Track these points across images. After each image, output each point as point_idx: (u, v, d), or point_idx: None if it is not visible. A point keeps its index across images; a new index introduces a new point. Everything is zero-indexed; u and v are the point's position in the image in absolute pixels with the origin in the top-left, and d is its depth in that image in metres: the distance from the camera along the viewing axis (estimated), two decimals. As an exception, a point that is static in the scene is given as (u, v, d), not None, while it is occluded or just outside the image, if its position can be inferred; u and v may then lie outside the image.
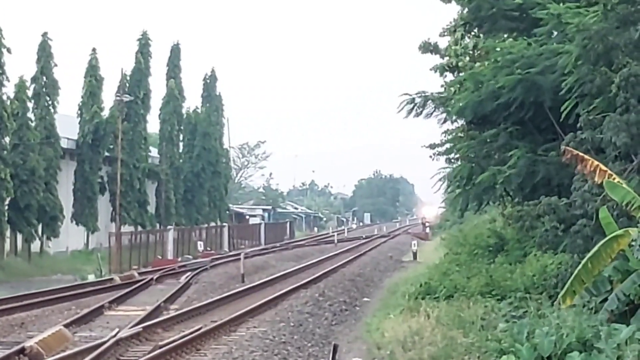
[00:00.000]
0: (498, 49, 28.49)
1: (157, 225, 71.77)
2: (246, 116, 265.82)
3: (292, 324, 24.88)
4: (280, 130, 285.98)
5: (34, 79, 58.20)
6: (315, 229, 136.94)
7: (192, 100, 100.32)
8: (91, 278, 44.55)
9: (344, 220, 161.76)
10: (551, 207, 20.71)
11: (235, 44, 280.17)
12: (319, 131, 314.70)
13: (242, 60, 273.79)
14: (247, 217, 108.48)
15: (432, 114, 36.49)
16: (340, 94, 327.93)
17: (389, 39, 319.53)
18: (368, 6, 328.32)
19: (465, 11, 32.92)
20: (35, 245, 57.35)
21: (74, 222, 63.51)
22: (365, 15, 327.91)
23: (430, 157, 42.44)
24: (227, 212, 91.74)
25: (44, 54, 59.12)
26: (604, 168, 18.28)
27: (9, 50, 51.66)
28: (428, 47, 40.96)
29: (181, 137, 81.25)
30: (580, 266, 17.27)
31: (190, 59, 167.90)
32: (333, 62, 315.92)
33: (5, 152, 51.79)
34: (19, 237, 55.65)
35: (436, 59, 41.15)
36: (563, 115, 24.49)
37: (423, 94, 36.40)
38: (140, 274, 42.86)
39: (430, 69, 41.31)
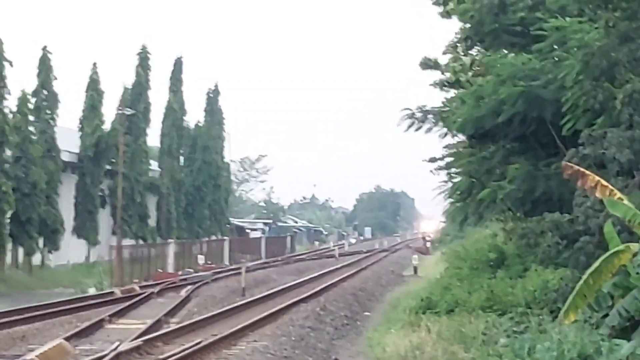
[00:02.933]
0: (499, 65, 28.54)
1: (158, 238, 71.73)
2: (247, 129, 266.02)
3: (293, 338, 24.83)
4: (282, 144, 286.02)
5: (34, 93, 58.17)
6: (316, 242, 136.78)
7: (196, 114, 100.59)
8: (92, 291, 44.45)
9: (345, 234, 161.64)
10: (555, 224, 20.73)
11: (238, 57, 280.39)
12: (320, 144, 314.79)
13: (245, 75, 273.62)
14: (248, 230, 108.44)
15: (431, 129, 36.60)
16: (341, 107, 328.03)
17: (390, 53, 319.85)
18: (366, 22, 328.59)
19: (467, 26, 32.98)
20: (37, 258, 57.27)
21: (75, 235, 63.50)
22: (365, 30, 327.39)
23: (431, 171, 42.57)
24: (228, 225, 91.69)
25: (44, 67, 59.16)
26: (604, 184, 18.30)
27: (10, 64, 51.69)
28: (428, 64, 41.05)
29: (182, 151, 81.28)
30: (581, 282, 17.27)
31: (193, 73, 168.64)
32: (334, 76, 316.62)
33: (7, 165, 51.82)
34: (20, 250, 55.57)
35: (437, 75, 41.25)
36: (564, 130, 24.54)
37: (423, 109, 36.50)
38: (141, 287, 42.79)
39: (430, 85, 41.41)
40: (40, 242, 56.74)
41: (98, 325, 28.24)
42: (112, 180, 66.37)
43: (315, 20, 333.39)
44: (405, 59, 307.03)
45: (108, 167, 65.68)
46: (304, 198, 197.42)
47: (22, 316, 30.37)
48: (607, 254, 17.20)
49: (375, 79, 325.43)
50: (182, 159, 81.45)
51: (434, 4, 25.16)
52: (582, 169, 18.95)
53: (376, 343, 23.45)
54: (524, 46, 28.99)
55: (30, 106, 56.80)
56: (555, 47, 26.19)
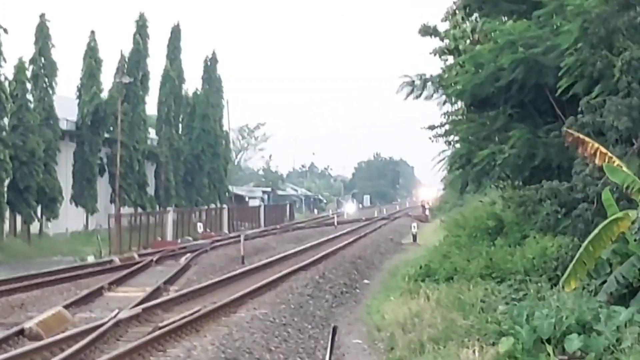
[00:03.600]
0: (498, 31, 28.48)
1: (157, 207, 71.78)
2: (246, 97, 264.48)
3: (292, 306, 24.94)
4: (280, 112, 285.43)
5: (32, 61, 57.95)
6: (315, 211, 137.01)
7: (194, 82, 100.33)
8: (91, 259, 44.55)
9: (343, 202, 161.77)
10: (553, 192, 20.77)
11: (236, 25, 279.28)
12: (319, 112, 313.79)
13: (243, 42, 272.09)
14: (247, 199, 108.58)
15: (431, 96, 36.53)
16: (340, 74, 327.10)
17: (389, 20, 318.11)
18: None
19: (465, -7, 32.90)
20: (35, 227, 57.30)
21: (74, 203, 63.44)
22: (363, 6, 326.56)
23: (430, 138, 42.38)
24: (227, 194, 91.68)
25: (42, 35, 58.87)
26: (604, 151, 18.31)
27: (5, 31, 51.46)
28: (428, 31, 40.84)
29: (180, 119, 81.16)
30: (581, 249, 17.31)
31: (192, 41, 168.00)
32: (334, 44, 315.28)
33: (4, 133, 51.74)
34: (18, 218, 55.62)
35: (436, 42, 41.11)
36: (559, 93, 24.50)
37: (422, 76, 36.42)
38: (140, 255, 42.91)
39: (430, 52, 41.26)
40: (39, 210, 56.78)
41: (97, 293, 28.36)
42: (110, 148, 66.34)
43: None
44: (404, 25, 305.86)
45: (106, 135, 65.60)
46: (303, 166, 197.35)
47: (20, 284, 30.46)
48: (606, 221, 17.25)
49: (374, 46, 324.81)
50: (180, 127, 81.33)
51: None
52: (581, 136, 18.96)
53: (375, 311, 23.56)
54: (523, 13, 28.87)
55: (28, 74, 56.70)
56: (555, 14, 26.11)
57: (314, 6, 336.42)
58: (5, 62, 52.09)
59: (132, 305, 23.84)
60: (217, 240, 52.43)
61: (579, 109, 20.70)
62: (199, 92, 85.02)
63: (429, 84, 36.21)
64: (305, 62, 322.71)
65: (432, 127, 41.97)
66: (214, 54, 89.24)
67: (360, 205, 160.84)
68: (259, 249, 47.84)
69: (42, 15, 59.45)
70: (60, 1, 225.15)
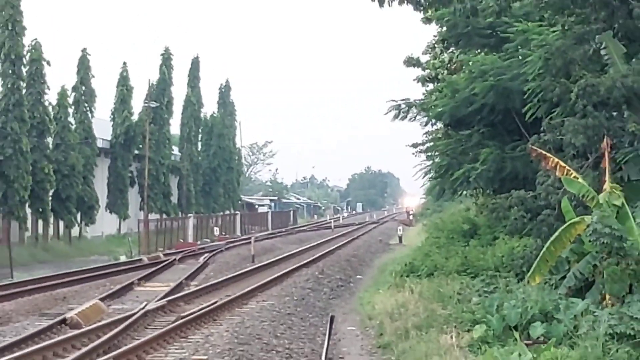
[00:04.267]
0: (472, 62, 28.52)
1: (179, 213, 71.72)
2: (256, 119, 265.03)
3: (295, 298, 24.88)
4: (285, 131, 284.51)
5: (74, 88, 58.15)
6: (315, 216, 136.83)
7: (211, 106, 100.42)
8: (123, 259, 44.53)
9: (339, 209, 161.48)
10: (519, 200, 20.72)
11: (246, 56, 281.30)
12: (319, 131, 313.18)
13: (252, 70, 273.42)
14: (257, 206, 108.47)
15: (415, 117, 36.54)
16: (337, 97, 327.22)
17: (380, 51, 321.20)
18: (361, 24, 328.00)
19: (443, 29, 32.92)
20: (75, 231, 57.38)
21: (108, 210, 63.48)
22: (359, 31, 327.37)
23: (413, 154, 42.40)
24: (239, 202, 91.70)
25: (83, 66, 59.03)
26: (563, 165, 18.30)
27: (48, 63, 51.58)
28: (411, 62, 40.99)
29: (200, 138, 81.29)
30: (544, 249, 17.30)
31: (208, 69, 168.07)
32: (331, 71, 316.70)
33: (48, 150, 51.85)
34: (61, 223, 55.67)
35: (419, 71, 41.21)
36: (525, 115, 24.49)
37: (407, 101, 36.43)
38: (165, 255, 42.87)
39: (414, 80, 41.36)
40: (78, 216, 56.81)
41: (128, 287, 28.34)
42: (139, 163, 66.34)
43: (315, 21, 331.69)
44: (392, 56, 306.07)
45: (136, 152, 65.76)
46: (304, 178, 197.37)
47: (62, 280, 30.51)
48: (565, 225, 17.21)
49: (366, 74, 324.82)
50: (199, 145, 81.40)
51: (415, 10, 25.05)
52: (543, 152, 18.95)
53: (367, 302, 23.48)
54: (493, 46, 28.92)
55: (70, 100, 56.80)
56: (520, 47, 26.12)
57: (314, 39, 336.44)
58: (49, 89, 52.22)
59: (158, 298, 23.82)
60: (231, 242, 52.36)
61: (542, 129, 20.65)
62: (215, 115, 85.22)
63: (413, 107, 36.23)
64: (307, 87, 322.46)
65: (415, 145, 41.97)
66: (227, 82, 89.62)
67: (354, 212, 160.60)
68: (267, 249, 47.74)
69: (83, 50, 59.71)
70: (95, 35, 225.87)
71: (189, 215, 67.74)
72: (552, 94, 22.05)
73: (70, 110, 56.71)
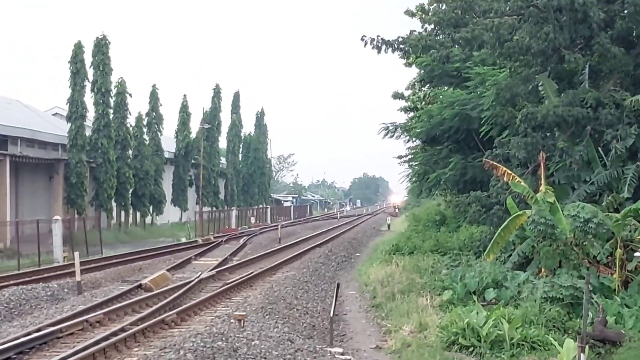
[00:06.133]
0: (442, 96, 28.53)
1: (225, 207, 71.79)
2: (283, 135, 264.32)
3: (311, 270, 24.91)
4: (304, 145, 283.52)
5: (147, 114, 58.27)
6: (325, 209, 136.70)
7: (249, 128, 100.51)
8: (183, 240, 44.57)
9: (344, 204, 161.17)
10: (477, 198, 20.71)
11: (276, 85, 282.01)
12: (329, 145, 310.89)
13: (277, 98, 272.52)
14: (282, 201, 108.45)
15: (400, 136, 36.59)
16: (343, 119, 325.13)
17: (374, 86, 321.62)
18: (360, 66, 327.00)
19: (422, 72, 32.97)
20: (148, 219, 57.53)
21: (173, 204, 63.61)
22: (359, 71, 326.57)
23: (399, 163, 42.39)
24: (270, 198, 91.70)
25: (154, 98, 59.18)
26: (509, 172, 18.32)
27: (130, 95, 51.84)
28: (397, 95, 41.01)
29: (240, 151, 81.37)
30: (496, 235, 17.31)
31: (245, 97, 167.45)
32: (338, 98, 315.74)
33: (129, 160, 52.11)
34: (138, 214, 55.93)
35: (402, 102, 41.24)
36: (483, 136, 24.52)
37: (394, 124, 36.48)
38: (214, 237, 42.89)
39: (398, 110, 41.39)
40: (151, 209, 56.98)
41: (187, 261, 28.43)
42: (196, 169, 66.48)
43: (325, 58, 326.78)
44: (384, 90, 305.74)
45: (193, 161, 65.82)
46: (318, 181, 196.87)
47: (139, 256, 30.62)
48: (511, 217, 17.23)
49: (363, 102, 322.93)
50: (240, 156, 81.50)
51: (400, 57, 25.14)
52: (495, 163, 18.96)
53: (363, 273, 23.52)
54: (458, 84, 28.92)
55: (144, 122, 56.99)
56: (479, 85, 26.14)
57: (324, 75, 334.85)
58: (130, 115, 52.45)
59: (210, 269, 23.91)
60: (263, 228, 52.35)
61: (494, 145, 20.66)
62: (252, 134, 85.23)
63: (398, 128, 36.25)
64: (320, 111, 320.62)
65: (400, 157, 41.94)
66: (262, 109, 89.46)
67: (355, 206, 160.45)
68: (290, 234, 47.70)
69: (153, 85, 59.78)
70: (160, 69, 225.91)
71: (232, 208, 67.72)
72: (502, 119, 22.09)
73: (145, 130, 56.85)
